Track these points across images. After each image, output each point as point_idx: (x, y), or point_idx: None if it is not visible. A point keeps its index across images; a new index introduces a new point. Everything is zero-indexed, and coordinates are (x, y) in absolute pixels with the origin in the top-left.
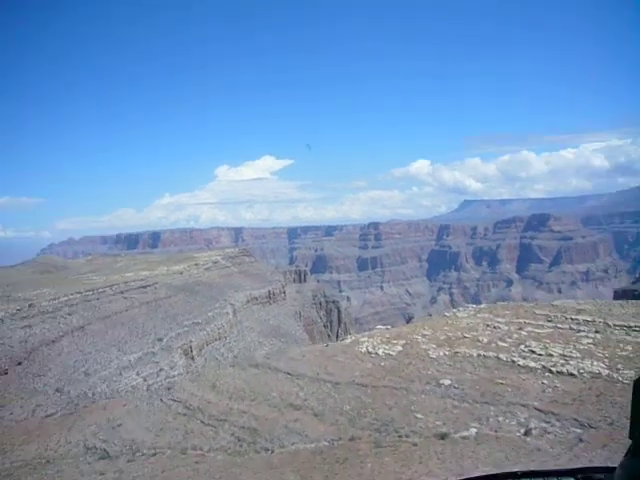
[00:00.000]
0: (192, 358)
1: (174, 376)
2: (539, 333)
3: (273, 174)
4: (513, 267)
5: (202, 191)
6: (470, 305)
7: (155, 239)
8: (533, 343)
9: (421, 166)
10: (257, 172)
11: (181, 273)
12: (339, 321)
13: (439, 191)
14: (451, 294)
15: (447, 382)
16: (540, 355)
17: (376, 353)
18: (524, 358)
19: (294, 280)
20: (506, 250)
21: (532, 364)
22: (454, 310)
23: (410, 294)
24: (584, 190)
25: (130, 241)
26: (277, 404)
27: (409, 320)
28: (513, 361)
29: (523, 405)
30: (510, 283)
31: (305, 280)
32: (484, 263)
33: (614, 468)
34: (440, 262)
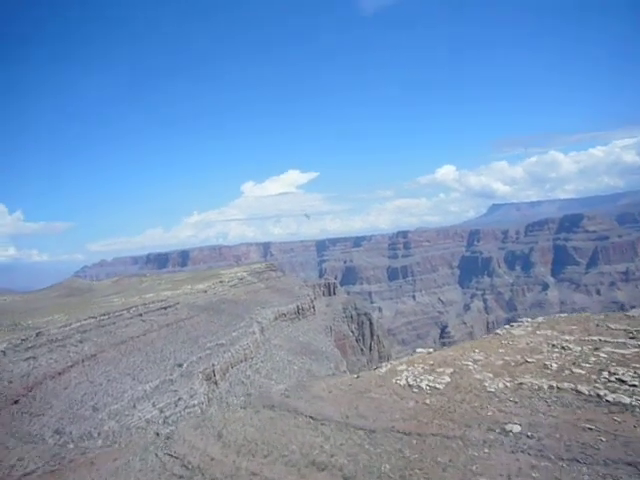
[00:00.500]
0: (215, 383)
1: (194, 405)
2: (624, 355)
3: (299, 188)
4: (548, 270)
5: (229, 208)
6: (525, 319)
7: (184, 257)
8: (620, 369)
9: (447, 172)
10: (283, 187)
11: (205, 291)
12: (371, 334)
13: (466, 196)
14: (485, 300)
15: (516, 428)
16: (634, 386)
17: (419, 386)
18: (613, 391)
19: (323, 293)
20: (539, 253)
21: (626, 399)
22: (507, 327)
23: (443, 302)
24: (616, 188)
25: (160, 261)
26: (296, 461)
27: (444, 329)
28: (599, 395)
29: (629, 464)
30: (546, 287)
31: (335, 293)
32: (517, 267)
33: None
34: (472, 268)
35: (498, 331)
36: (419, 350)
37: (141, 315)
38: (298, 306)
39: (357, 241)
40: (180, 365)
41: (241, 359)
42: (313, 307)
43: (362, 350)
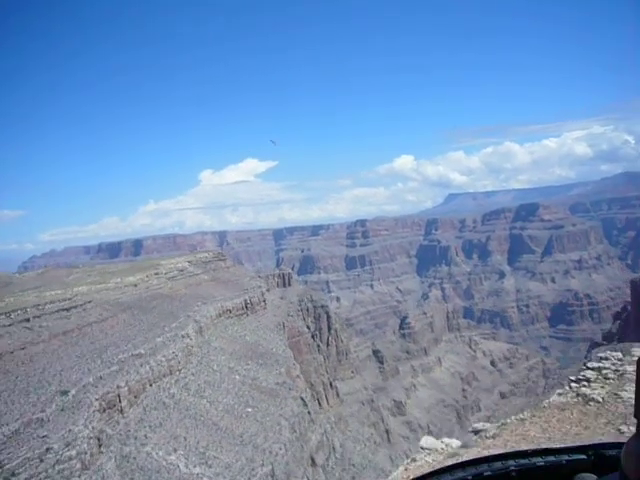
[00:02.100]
0: (121, 411)
1: (71, 458)
2: None
3: (257, 176)
4: (504, 259)
5: (187, 196)
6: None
7: (137, 247)
8: None
9: (405, 162)
10: (241, 175)
11: (135, 285)
12: (329, 328)
13: (424, 186)
14: (443, 289)
15: None
16: None
17: None
18: None
19: (277, 284)
20: (496, 242)
21: None
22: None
23: (401, 291)
24: (568, 179)
25: (112, 250)
26: None
27: (404, 320)
28: None
29: None
30: (502, 275)
31: (290, 284)
32: (475, 256)
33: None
34: (430, 257)
35: None
36: (426, 441)
37: (28, 320)
38: (246, 300)
39: (315, 230)
40: (65, 392)
41: (165, 373)
42: (264, 301)
43: (319, 347)
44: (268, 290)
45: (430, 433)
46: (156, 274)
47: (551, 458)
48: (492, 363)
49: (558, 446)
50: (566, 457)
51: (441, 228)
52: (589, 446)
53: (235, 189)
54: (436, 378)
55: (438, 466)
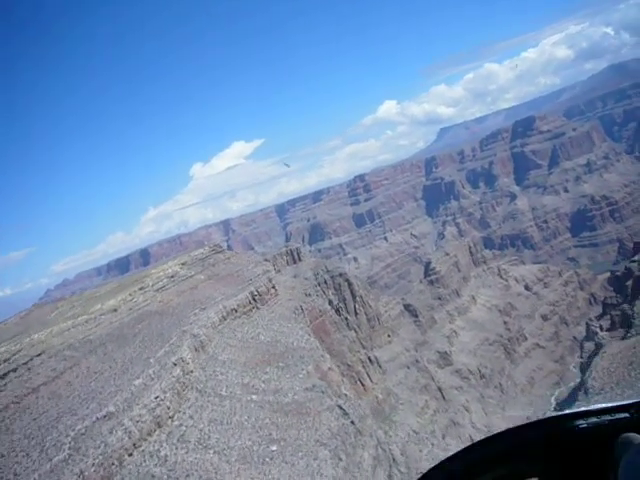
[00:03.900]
0: None
1: None
2: None
3: (247, 158)
4: (512, 180)
5: (183, 195)
6: None
7: (145, 256)
8: None
9: (389, 108)
10: (231, 160)
11: (115, 310)
12: (353, 296)
13: (413, 127)
14: (457, 225)
15: None
16: None
17: None
18: None
19: (287, 263)
20: (500, 165)
21: None
22: None
23: (416, 236)
24: (555, 86)
25: (121, 266)
26: None
27: (428, 266)
28: None
29: None
30: (514, 197)
31: (300, 259)
32: (481, 184)
33: None
34: (436, 196)
35: None
36: None
37: None
38: (252, 292)
39: (316, 196)
40: None
41: (150, 429)
42: (273, 287)
43: (347, 320)
44: (279, 271)
45: (483, 377)
46: (141, 289)
47: (593, 419)
48: (526, 288)
49: (599, 406)
50: (608, 417)
51: (441, 165)
52: (632, 404)
53: (228, 175)
54: (474, 317)
55: None
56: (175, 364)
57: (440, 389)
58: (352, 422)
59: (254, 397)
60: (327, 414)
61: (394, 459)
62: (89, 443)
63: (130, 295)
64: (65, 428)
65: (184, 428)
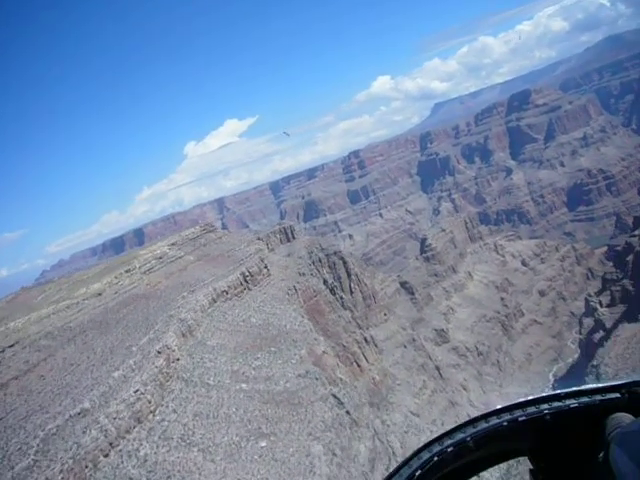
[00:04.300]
0: None
1: None
2: None
3: (241, 136)
4: (507, 154)
5: (177, 173)
6: None
7: (140, 236)
8: None
9: (382, 83)
10: (224, 138)
11: (100, 294)
12: (348, 274)
13: (407, 103)
14: (452, 200)
15: None
16: None
17: None
18: None
19: (281, 241)
20: (495, 139)
21: None
22: None
23: (411, 213)
24: (550, 59)
25: (116, 246)
26: None
27: (424, 242)
28: None
29: None
30: (509, 171)
31: (294, 237)
32: (476, 159)
33: None
34: (431, 172)
35: None
36: None
37: None
38: (244, 272)
39: (310, 173)
40: None
41: (129, 426)
42: (266, 267)
43: (342, 300)
44: (272, 250)
45: (480, 354)
46: (127, 271)
47: (584, 399)
48: (523, 263)
49: (591, 386)
50: (600, 397)
51: (436, 140)
52: (623, 384)
53: (222, 154)
54: (471, 294)
55: None
56: (159, 352)
57: (437, 368)
58: (347, 412)
59: (243, 386)
60: (320, 404)
61: (393, 452)
62: (59, 445)
63: (116, 278)
64: (34, 428)
65: (166, 423)
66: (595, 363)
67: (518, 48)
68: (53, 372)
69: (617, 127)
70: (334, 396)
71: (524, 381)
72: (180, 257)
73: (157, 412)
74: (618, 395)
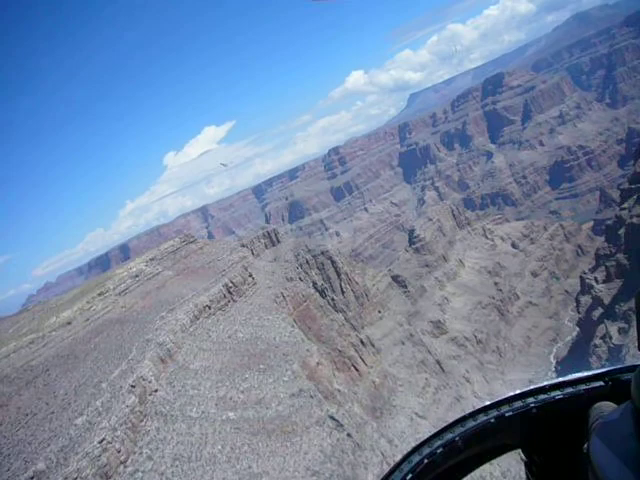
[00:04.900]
0: None
1: None
2: None
3: (220, 142)
4: (486, 138)
5: (159, 185)
6: None
7: (125, 251)
8: None
9: (356, 78)
10: (203, 146)
11: (69, 323)
12: (338, 274)
13: (383, 96)
14: (436, 188)
15: None
16: None
17: None
18: None
19: (266, 246)
20: (473, 124)
21: None
22: None
23: (396, 204)
24: (520, 41)
25: (102, 264)
26: None
27: (412, 234)
28: None
29: None
30: (490, 155)
31: (279, 240)
32: (456, 145)
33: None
34: (413, 162)
35: None
36: None
37: None
38: (227, 284)
39: (292, 174)
40: None
41: None
42: (250, 275)
43: (334, 301)
44: (258, 255)
45: (479, 342)
46: (100, 294)
47: (569, 390)
48: (513, 245)
49: (575, 376)
50: (584, 387)
51: (414, 130)
52: (606, 372)
53: (202, 161)
54: (464, 282)
55: None
56: (133, 386)
57: (438, 362)
58: (348, 434)
59: (231, 415)
60: (317, 429)
61: None
62: None
63: (88, 303)
64: None
65: (140, 475)
66: (597, 342)
67: (487, 33)
68: (3, 427)
69: (591, 103)
70: (332, 418)
71: (526, 365)
72: (157, 273)
73: (129, 462)
74: (602, 383)
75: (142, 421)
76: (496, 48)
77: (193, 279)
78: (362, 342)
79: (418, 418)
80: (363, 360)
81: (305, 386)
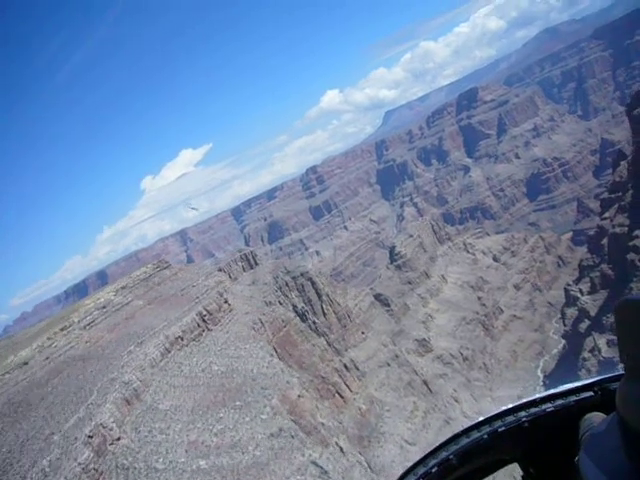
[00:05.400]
0: None
1: None
2: None
3: (197, 165)
4: (463, 153)
5: (137, 210)
6: None
7: (103, 278)
8: None
9: (331, 97)
10: (181, 169)
11: (26, 363)
12: (319, 295)
13: (358, 114)
14: (415, 204)
15: None
16: None
17: None
18: None
19: (243, 269)
20: (449, 140)
21: None
22: None
23: (375, 222)
24: (491, 57)
25: (80, 291)
26: None
27: (393, 250)
28: None
29: None
30: (467, 170)
31: (256, 263)
32: (433, 161)
33: None
34: (391, 179)
35: None
36: None
37: None
38: (200, 312)
39: (270, 194)
40: None
41: None
42: (226, 301)
43: (315, 324)
44: (236, 279)
45: (465, 359)
46: (63, 329)
47: (560, 401)
48: (495, 259)
49: (565, 387)
50: (574, 397)
51: (391, 147)
52: (595, 382)
53: (180, 184)
54: (447, 297)
55: None
56: (90, 437)
57: (425, 382)
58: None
59: (202, 464)
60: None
61: None
62: None
63: (49, 339)
64: None
65: None
66: (585, 356)
67: (459, 50)
68: None
69: (564, 115)
70: (315, 464)
71: (513, 381)
72: (127, 303)
73: None
74: (591, 394)
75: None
76: (468, 64)
77: (165, 308)
78: (346, 367)
79: (407, 445)
80: (348, 386)
81: (285, 424)
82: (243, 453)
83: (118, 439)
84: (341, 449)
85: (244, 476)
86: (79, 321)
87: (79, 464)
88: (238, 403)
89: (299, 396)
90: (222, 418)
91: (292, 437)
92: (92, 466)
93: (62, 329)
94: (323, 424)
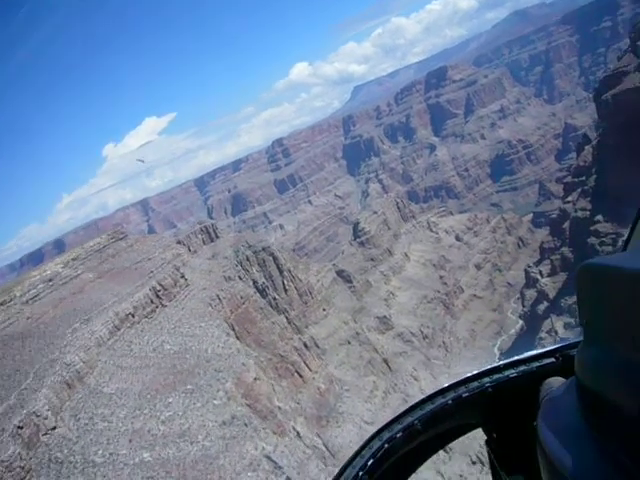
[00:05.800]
0: None
1: None
2: None
3: (161, 133)
4: (429, 131)
5: (98, 177)
6: None
7: (60, 247)
8: None
9: (300, 70)
10: (144, 137)
11: None
12: (280, 271)
13: (327, 88)
14: (380, 181)
15: None
16: None
17: None
18: None
19: (204, 242)
20: (416, 117)
21: None
22: None
23: (340, 197)
24: (461, 37)
25: (35, 259)
26: None
27: (356, 227)
28: None
29: None
30: (433, 148)
31: (217, 236)
32: (400, 138)
33: None
34: (357, 154)
35: None
36: None
37: None
38: (154, 287)
39: (235, 166)
40: None
41: None
42: (182, 276)
43: (276, 301)
44: (195, 252)
45: (425, 337)
46: (2, 304)
47: (522, 367)
48: (457, 238)
49: (529, 354)
50: (536, 364)
51: (358, 122)
52: (557, 349)
53: (143, 153)
54: (409, 275)
55: None
56: (20, 427)
57: (385, 360)
58: (288, 478)
59: (146, 456)
60: (250, 476)
61: None
62: None
63: None
64: None
65: None
66: (542, 336)
67: (430, 27)
68: None
69: (530, 98)
70: (268, 458)
71: (471, 359)
72: (75, 276)
73: None
74: (553, 360)
75: (25, 479)
76: (439, 42)
77: (117, 282)
78: (306, 345)
79: (366, 425)
80: (307, 365)
81: (239, 411)
82: (192, 443)
83: (53, 428)
84: (298, 434)
85: (190, 471)
86: (21, 295)
87: (2, 462)
88: (189, 387)
89: (255, 379)
90: (171, 403)
91: (245, 425)
92: (17, 463)
93: (1, 303)
94: (280, 408)
